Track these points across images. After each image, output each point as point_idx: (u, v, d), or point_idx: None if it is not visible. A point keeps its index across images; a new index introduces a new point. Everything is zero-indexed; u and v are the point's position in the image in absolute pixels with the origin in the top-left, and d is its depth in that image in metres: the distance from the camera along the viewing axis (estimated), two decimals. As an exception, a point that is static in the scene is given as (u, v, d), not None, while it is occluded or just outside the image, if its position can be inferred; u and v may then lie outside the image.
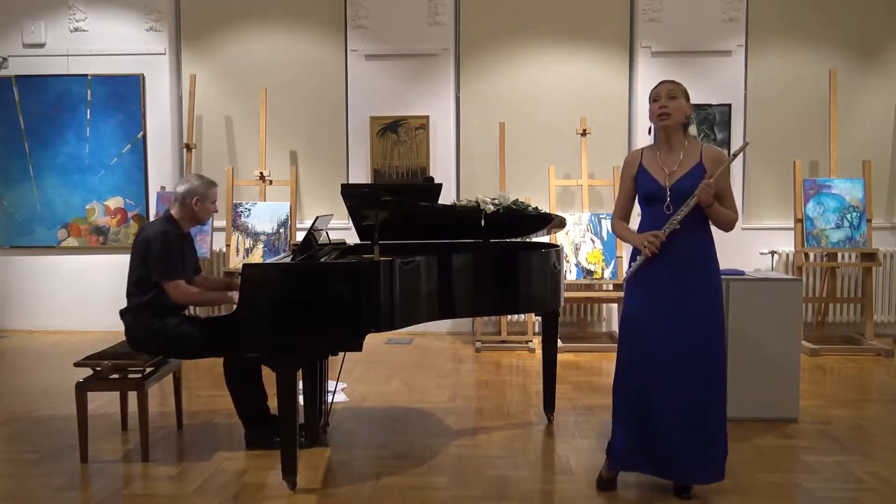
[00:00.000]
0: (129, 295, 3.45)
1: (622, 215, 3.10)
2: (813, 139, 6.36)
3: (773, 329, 3.88)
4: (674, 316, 2.86)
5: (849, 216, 5.79)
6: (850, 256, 6.11)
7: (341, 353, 4.00)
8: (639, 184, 2.99)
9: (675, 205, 2.86)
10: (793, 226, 5.97)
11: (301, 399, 3.71)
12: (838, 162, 6.05)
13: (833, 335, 6.15)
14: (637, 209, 3.07)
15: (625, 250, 5.71)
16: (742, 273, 4.05)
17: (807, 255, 5.86)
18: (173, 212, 3.56)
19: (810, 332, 6.06)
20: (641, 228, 2.97)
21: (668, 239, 2.83)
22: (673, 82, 2.95)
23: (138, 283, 3.41)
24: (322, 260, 3.36)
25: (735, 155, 2.93)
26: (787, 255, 6.26)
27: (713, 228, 2.96)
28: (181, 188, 3.56)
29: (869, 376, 5.03)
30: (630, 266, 2.99)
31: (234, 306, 3.11)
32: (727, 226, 2.92)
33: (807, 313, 6.22)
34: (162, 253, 3.35)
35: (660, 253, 2.85)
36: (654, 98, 2.95)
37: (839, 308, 6.28)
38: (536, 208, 3.81)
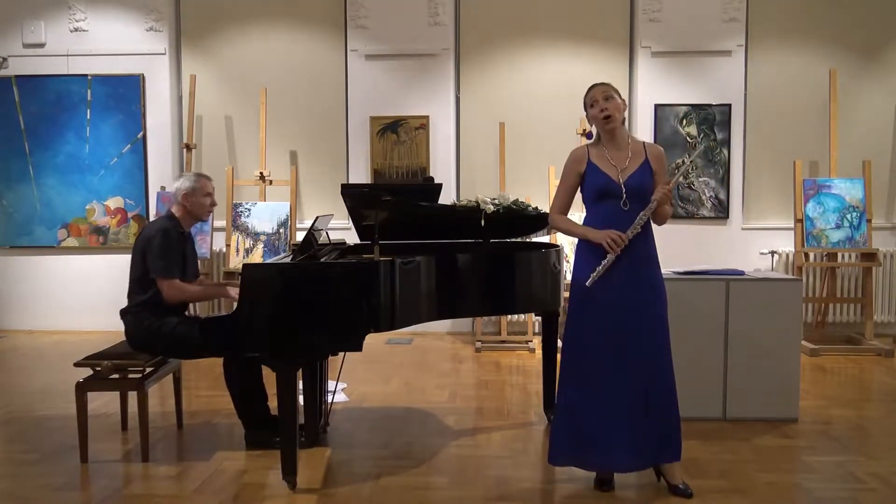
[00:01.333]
0: (129, 294, 3.45)
1: (562, 210, 3.09)
2: (813, 139, 6.36)
3: (773, 329, 3.88)
4: (626, 314, 2.89)
5: (849, 216, 5.79)
6: (850, 256, 6.11)
7: (341, 353, 4.00)
8: (588, 180, 2.98)
9: (631, 201, 2.90)
10: (793, 226, 5.98)
11: (301, 399, 3.71)
12: (838, 162, 6.05)
13: (833, 335, 6.15)
14: (579, 206, 3.06)
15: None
16: (742, 273, 4.04)
17: (807, 255, 5.86)
18: (174, 210, 3.57)
19: (810, 332, 6.05)
20: (596, 225, 2.95)
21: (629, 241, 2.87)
22: (603, 84, 2.99)
23: (139, 281, 3.41)
24: (322, 260, 3.36)
25: (685, 168, 2.97)
26: (787, 255, 6.26)
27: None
28: (172, 189, 3.59)
29: (869, 376, 5.03)
30: (595, 269, 2.91)
31: (234, 305, 3.11)
32: (664, 220, 3.00)
33: (807, 313, 6.22)
34: (160, 250, 3.35)
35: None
36: (590, 104, 2.98)
37: (839, 308, 6.28)
38: (536, 208, 3.81)
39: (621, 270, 2.89)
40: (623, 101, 2.99)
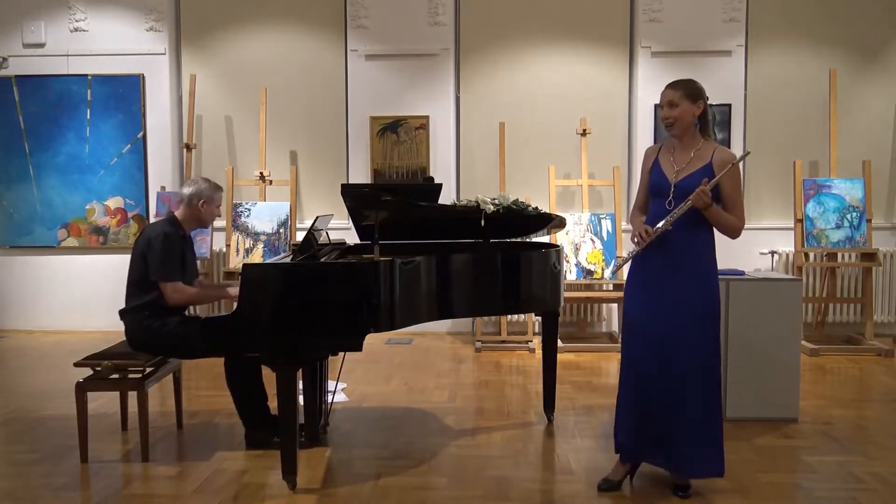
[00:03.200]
0: (128, 295, 3.45)
1: (640, 206, 3.16)
2: (813, 139, 6.36)
3: (773, 329, 3.88)
4: (667, 315, 2.90)
5: (849, 216, 5.79)
6: (850, 256, 6.11)
7: (341, 353, 4.00)
8: (651, 177, 3.05)
9: (676, 202, 2.90)
10: (793, 226, 5.97)
11: (301, 399, 3.71)
12: (838, 162, 6.05)
13: (833, 335, 6.15)
14: None
15: (625, 250, 5.71)
16: (742, 273, 4.04)
17: (807, 255, 5.86)
18: (177, 213, 3.57)
19: (810, 332, 6.05)
20: (648, 221, 3.02)
21: (658, 238, 2.88)
22: (674, 87, 2.96)
23: (138, 282, 3.41)
24: (322, 260, 3.36)
25: (734, 164, 2.91)
26: (787, 255, 6.26)
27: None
28: (188, 189, 3.57)
29: (869, 376, 5.03)
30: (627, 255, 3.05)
31: (235, 305, 3.11)
32: (729, 231, 2.94)
33: (807, 313, 6.22)
34: (162, 254, 3.35)
35: (657, 252, 2.91)
36: (661, 107, 3.01)
37: (839, 308, 6.27)
38: (536, 208, 3.81)
39: (658, 267, 2.93)
40: (696, 104, 2.92)
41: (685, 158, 2.96)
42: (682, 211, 2.84)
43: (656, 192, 3.00)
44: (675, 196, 2.91)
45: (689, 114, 2.93)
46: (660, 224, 2.87)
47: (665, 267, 2.92)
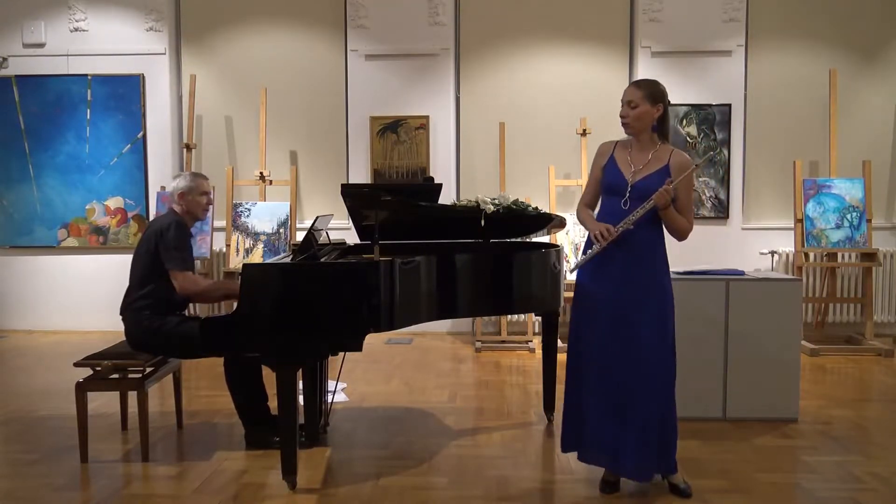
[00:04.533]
0: (129, 291, 3.44)
1: (588, 202, 3.14)
2: (813, 139, 6.37)
3: (773, 329, 3.88)
4: (620, 313, 2.91)
5: (849, 216, 5.79)
6: (850, 256, 6.11)
7: (341, 353, 4.00)
8: (605, 174, 3.04)
9: (632, 202, 2.91)
10: (793, 226, 5.98)
11: (301, 399, 3.71)
12: (838, 162, 6.05)
13: (833, 335, 6.15)
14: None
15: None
16: (742, 273, 4.04)
17: (807, 255, 5.86)
18: (174, 209, 3.57)
19: (810, 332, 6.06)
20: (600, 218, 3.02)
21: (620, 237, 2.87)
22: (637, 86, 2.95)
23: (141, 279, 3.40)
24: (322, 260, 3.35)
25: (693, 169, 2.92)
26: (787, 255, 6.26)
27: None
28: (170, 187, 3.59)
29: (869, 376, 5.03)
30: (584, 253, 3.04)
31: (235, 305, 3.11)
32: (679, 233, 2.97)
33: (807, 313, 6.22)
34: (176, 242, 3.33)
35: (612, 249, 2.90)
36: (622, 104, 2.98)
37: (839, 308, 6.28)
38: (536, 208, 3.81)
39: (616, 268, 2.92)
40: (655, 107, 2.92)
41: (642, 159, 2.96)
42: (645, 210, 2.85)
43: (611, 189, 2.99)
44: (631, 196, 2.91)
45: (648, 115, 2.93)
46: (621, 224, 2.86)
47: (625, 265, 2.91)
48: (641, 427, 2.87)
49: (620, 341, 2.90)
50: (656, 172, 2.91)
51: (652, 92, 2.92)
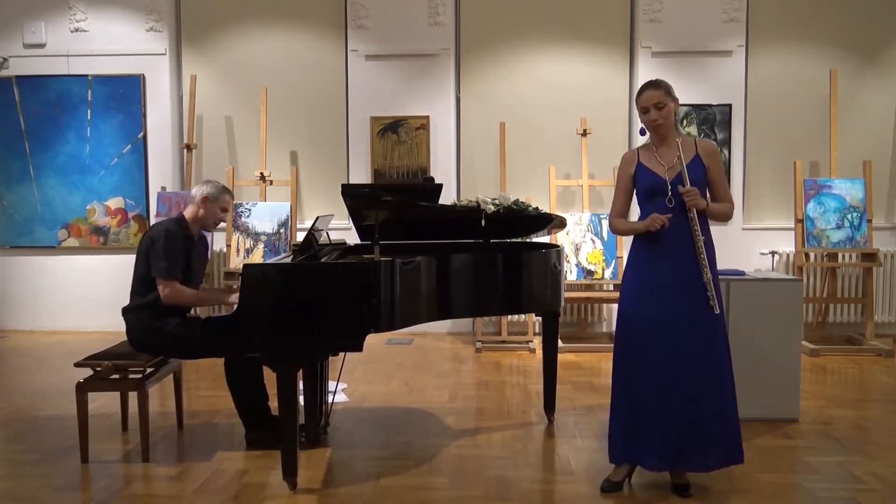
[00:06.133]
0: (132, 293, 3.45)
1: (620, 213, 3.13)
2: (813, 139, 6.36)
3: (774, 329, 3.88)
4: (677, 315, 2.89)
5: (849, 216, 5.79)
6: (850, 257, 6.10)
7: (342, 354, 4.00)
8: (638, 180, 3.03)
9: (675, 197, 2.90)
10: (793, 226, 5.97)
11: (301, 399, 3.71)
12: (839, 162, 6.05)
13: (833, 335, 6.15)
14: (635, 209, 3.09)
15: (625, 250, 5.70)
16: (742, 273, 4.04)
17: (807, 256, 5.86)
18: (186, 213, 3.58)
19: (811, 332, 6.05)
20: None
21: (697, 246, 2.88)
22: (657, 87, 2.96)
23: (142, 281, 3.41)
24: (322, 260, 3.36)
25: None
26: (788, 255, 6.26)
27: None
28: (195, 189, 3.60)
29: (869, 377, 5.03)
30: (627, 265, 3.04)
31: (234, 307, 3.11)
32: (725, 217, 3.00)
33: (807, 314, 6.21)
34: (163, 250, 3.35)
35: (662, 258, 2.90)
36: (643, 110, 2.97)
37: (840, 308, 6.27)
38: (537, 208, 3.81)
39: (668, 272, 2.91)
40: (675, 101, 2.97)
41: (672, 154, 2.96)
42: (695, 220, 2.86)
43: (650, 192, 2.97)
44: (673, 192, 2.91)
45: (672, 111, 2.97)
46: (697, 248, 2.86)
47: (679, 274, 2.89)
48: (714, 419, 2.89)
49: (680, 345, 2.87)
50: (691, 162, 2.93)
51: (667, 88, 2.96)
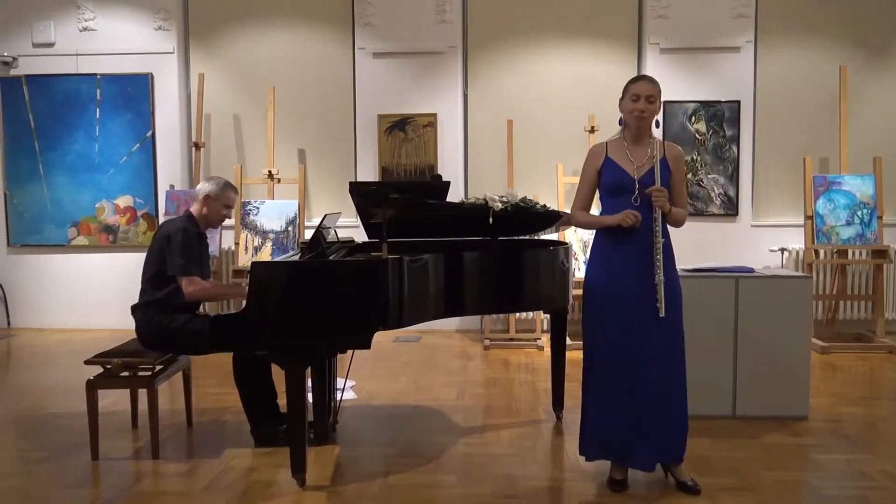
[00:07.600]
0: (142, 291, 3.47)
1: (584, 206, 3.13)
2: (823, 136, 6.33)
3: (784, 326, 3.86)
4: (633, 311, 2.91)
5: (859, 213, 5.76)
6: (860, 253, 6.07)
7: (350, 351, 4.01)
8: (604, 175, 3.02)
9: (641, 196, 2.91)
10: (803, 223, 5.94)
11: (310, 397, 3.71)
12: (848, 158, 6.01)
13: (843, 333, 6.12)
14: (597, 203, 3.10)
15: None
16: (752, 270, 4.02)
17: (817, 253, 5.83)
18: (193, 210, 3.59)
19: (820, 329, 6.02)
20: None
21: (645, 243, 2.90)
22: (652, 82, 2.98)
23: (153, 279, 3.43)
24: (330, 258, 3.36)
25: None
26: (798, 252, 6.23)
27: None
28: (200, 186, 3.61)
29: (879, 374, 5.00)
30: (591, 258, 3.05)
31: (244, 303, 3.12)
32: (680, 223, 3.01)
33: (817, 311, 6.18)
34: (181, 248, 3.36)
35: (625, 252, 2.92)
36: (632, 97, 2.97)
37: (850, 305, 6.24)
38: (544, 206, 3.80)
39: (631, 269, 2.92)
40: (660, 106, 3.00)
41: (642, 153, 2.98)
42: (660, 223, 2.88)
43: (616, 189, 2.97)
44: (640, 191, 2.92)
45: (657, 112, 2.98)
46: (655, 248, 2.87)
47: (640, 272, 2.90)
48: (654, 415, 2.90)
49: (634, 336, 2.90)
50: (658, 164, 2.93)
51: (659, 88, 2.98)
